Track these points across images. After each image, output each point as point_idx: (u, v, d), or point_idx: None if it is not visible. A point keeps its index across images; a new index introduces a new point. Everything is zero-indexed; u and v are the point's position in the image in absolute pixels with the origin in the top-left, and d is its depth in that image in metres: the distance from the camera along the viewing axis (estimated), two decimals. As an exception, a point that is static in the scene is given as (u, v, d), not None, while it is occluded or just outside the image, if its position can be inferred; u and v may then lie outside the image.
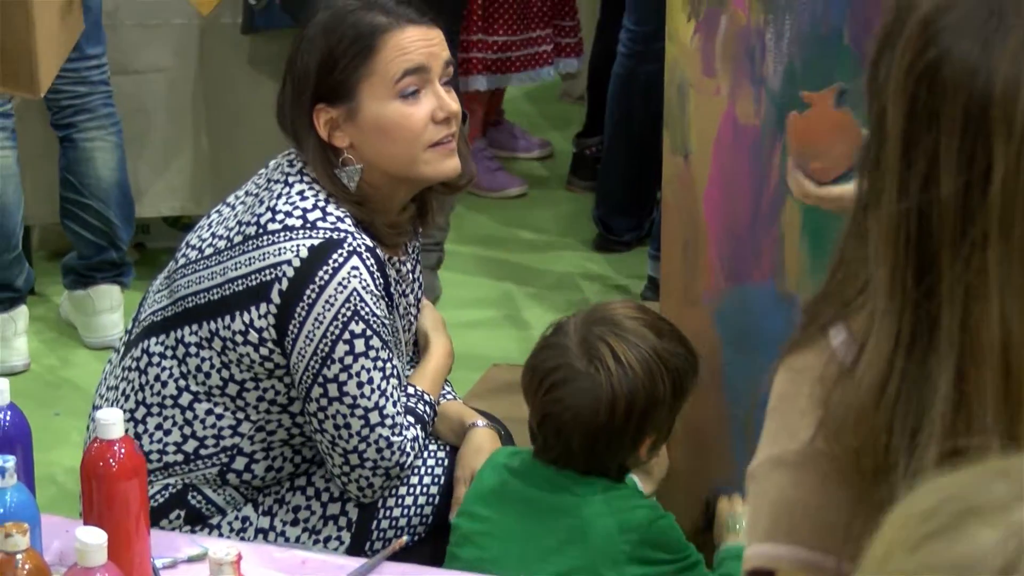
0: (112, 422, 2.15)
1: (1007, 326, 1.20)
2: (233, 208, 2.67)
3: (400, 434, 2.61)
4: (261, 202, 2.61)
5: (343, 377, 2.54)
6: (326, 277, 2.51)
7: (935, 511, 0.88)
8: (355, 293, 2.52)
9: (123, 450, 2.17)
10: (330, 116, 2.60)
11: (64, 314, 4.52)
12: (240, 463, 2.63)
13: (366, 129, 2.59)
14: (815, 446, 1.28)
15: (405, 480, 2.68)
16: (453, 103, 2.62)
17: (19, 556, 1.94)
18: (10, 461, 2.06)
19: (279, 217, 2.56)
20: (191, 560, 2.32)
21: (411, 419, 2.66)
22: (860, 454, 1.25)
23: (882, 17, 1.24)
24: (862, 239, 1.28)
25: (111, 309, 4.36)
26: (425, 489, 2.70)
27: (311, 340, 2.52)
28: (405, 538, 2.61)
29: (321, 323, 2.52)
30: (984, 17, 1.19)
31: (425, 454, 2.71)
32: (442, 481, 2.72)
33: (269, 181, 2.65)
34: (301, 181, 2.61)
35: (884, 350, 1.25)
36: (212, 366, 2.60)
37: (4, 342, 4.22)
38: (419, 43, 2.59)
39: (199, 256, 2.63)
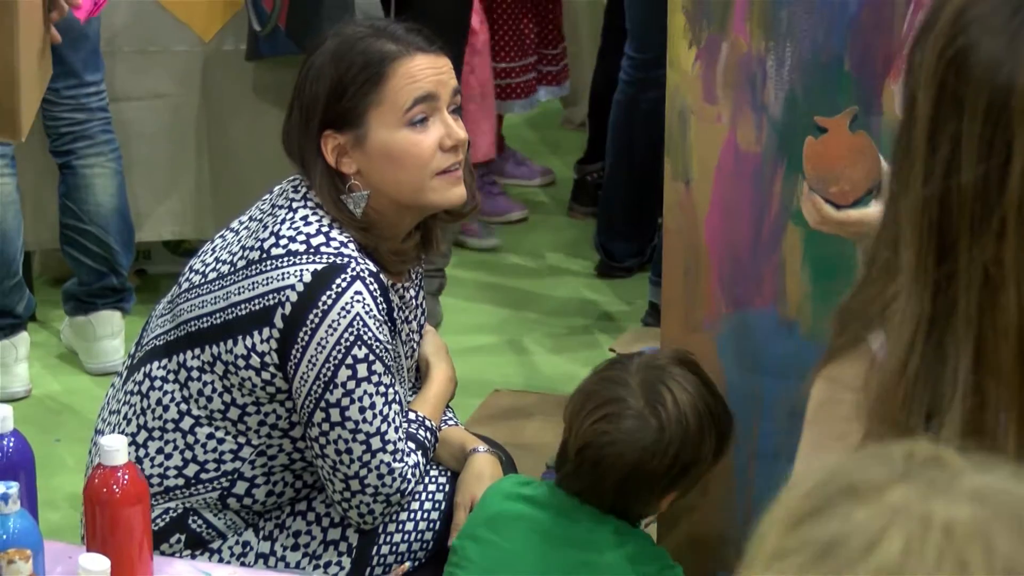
0: (116, 448, 2.16)
1: (1022, 306, 1.22)
2: (236, 233, 2.67)
3: (401, 460, 2.61)
4: (265, 227, 2.61)
5: (345, 402, 2.54)
6: (329, 302, 2.51)
7: (816, 491, 0.90)
8: (358, 318, 2.51)
9: (127, 476, 2.18)
10: (338, 142, 2.60)
11: (65, 340, 4.52)
12: (241, 487, 2.63)
13: (374, 156, 2.59)
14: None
15: (406, 505, 2.68)
16: (461, 131, 2.62)
17: (22, 582, 1.94)
18: (13, 488, 2.06)
19: (283, 242, 2.56)
20: (193, 586, 2.32)
21: (412, 445, 2.66)
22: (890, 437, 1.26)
23: (924, 11, 1.27)
24: (894, 240, 1.30)
25: (112, 335, 4.36)
26: (426, 515, 2.70)
27: (314, 365, 2.52)
28: (407, 564, 2.61)
29: (324, 348, 2.52)
30: (1010, 13, 1.23)
31: (426, 479, 2.71)
32: (443, 507, 2.72)
33: (273, 207, 2.65)
34: (305, 206, 2.61)
35: (907, 331, 1.27)
36: (214, 390, 2.60)
37: (5, 368, 4.22)
38: (428, 71, 2.60)
39: (202, 280, 2.64)
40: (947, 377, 1.25)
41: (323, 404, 2.54)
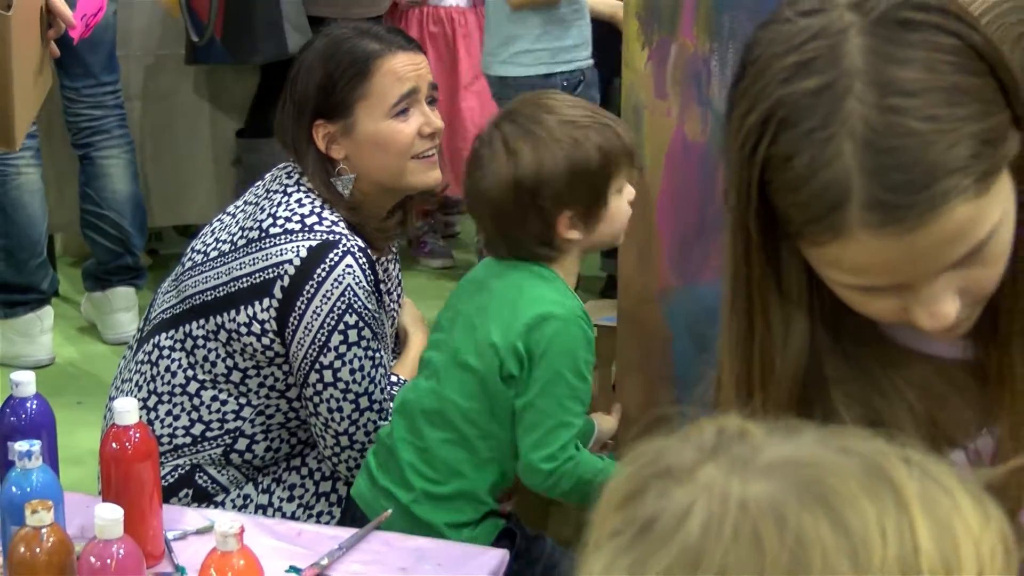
0: (128, 410, 2.15)
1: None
2: (234, 216, 2.68)
3: (386, 419, 2.61)
4: (262, 209, 2.61)
5: (337, 364, 2.54)
6: (323, 274, 2.51)
7: (639, 472, 0.89)
8: (349, 288, 2.52)
9: (137, 435, 2.17)
10: (328, 131, 2.63)
11: (85, 313, 4.50)
12: (242, 444, 2.63)
13: (362, 143, 2.62)
14: None
15: None
16: (437, 120, 2.68)
17: (44, 530, 1.93)
18: (36, 445, 2.05)
19: (279, 222, 2.57)
20: (199, 532, 2.31)
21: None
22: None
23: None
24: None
25: (127, 308, 4.36)
26: None
27: (309, 330, 2.52)
28: (389, 510, 2.60)
29: (319, 315, 2.52)
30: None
31: None
32: None
33: (268, 191, 2.65)
34: (298, 190, 2.62)
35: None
36: (218, 356, 2.59)
37: (31, 339, 4.21)
38: (409, 68, 2.64)
39: (204, 259, 2.64)
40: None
41: (317, 366, 2.54)
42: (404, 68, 2.62)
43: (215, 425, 2.62)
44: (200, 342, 2.61)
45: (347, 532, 2.34)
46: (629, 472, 0.89)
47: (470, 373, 2.41)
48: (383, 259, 2.72)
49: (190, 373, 2.62)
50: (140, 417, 2.33)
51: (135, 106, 4.65)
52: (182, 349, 2.63)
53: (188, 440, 2.63)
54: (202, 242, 2.69)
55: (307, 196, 2.60)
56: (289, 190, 2.62)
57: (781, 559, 0.81)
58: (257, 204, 2.65)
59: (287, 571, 2.20)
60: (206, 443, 2.63)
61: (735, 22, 2.96)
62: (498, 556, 2.28)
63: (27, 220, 4.15)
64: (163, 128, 4.76)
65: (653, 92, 3.09)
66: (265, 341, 2.56)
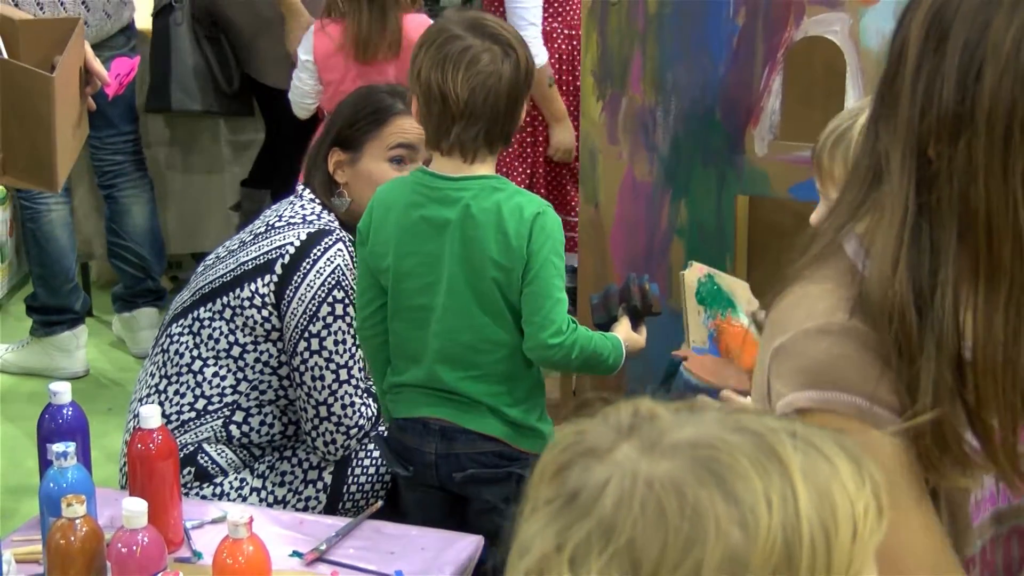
0: (151, 415, 2.14)
1: (990, 199, 1.19)
2: (242, 235, 2.70)
3: (361, 398, 2.60)
4: (271, 213, 2.69)
5: (324, 333, 2.55)
6: (318, 254, 2.56)
7: (568, 448, 0.90)
8: (339, 268, 2.56)
9: (160, 437, 2.16)
10: (339, 158, 2.69)
11: (115, 331, 4.48)
12: (239, 416, 2.62)
13: (360, 175, 2.68)
14: (853, 323, 1.22)
15: (368, 453, 2.67)
16: None
17: (78, 521, 1.91)
18: (71, 446, 2.04)
19: (284, 218, 2.64)
20: (214, 522, 2.29)
21: (369, 399, 2.65)
22: (889, 322, 1.20)
23: None
24: (872, 157, 1.27)
25: (151, 326, 4.34)
26: (383, 461, 2.68)
27: (302, 301, 2.55)
28: (380, 502, 2.59)
29: (311, 288, 2.55)
30: None
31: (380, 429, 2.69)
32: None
33: (273, 210, 2.71)
34: (302, 199, 2.69)
35: (896, 225, 1.23)
36: (221, 332, 2.61)
37: (68, 354, 4.19)
38: (417, 129, 2.61)
39: (215, 260, 2.70)
40: (936, 260, 1.21)
41: (306, 335, 2.55)
42: (413, 127, 2.63)
43: (215, 399, 2.62)
44: (206, 323, 2.63)
45: (343, 521, 2.33)
46: (560, 447, 0.91)
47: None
48: None
49: (195, 352, 2.63)
50: (152, 400, 2.39)
51: (160, 151, 4.66)
52: (190, 332, 2.65)
53: (193, 415, 2.63)
54: (215, 255, 2.73)
55: (311, 203, 2.67)
56: (295, 200, 2.69)
57: (682, 529, 0.83)
58: (264, 219, 2.70)
59: (291, 555, 2.19)
60: (208, 416, 2.62)
61: (677, 78, 2.97)
62: (475, 541, 2.27)
63: (59, 251, 4.14)
64: (182, 170, 4.77)
65: (607, 138, 3.10)
66: (264, 313, 2.59)
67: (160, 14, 4.25)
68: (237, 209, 4.64)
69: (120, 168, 4.25)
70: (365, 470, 2.67)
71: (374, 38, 3.62)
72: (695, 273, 2.47)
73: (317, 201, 2.67)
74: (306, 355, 2.55)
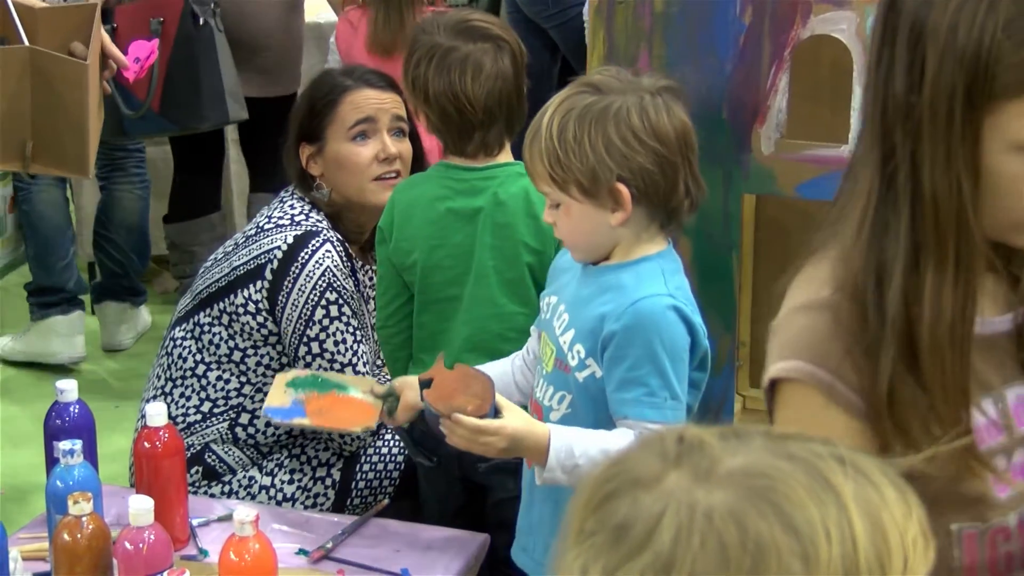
0: (158, 413, 2.15)
1: (935, 184, 1.24)
2: (236, 239, 2.70)
3: None
4: (260, 215, 2.69)
5: (322, 336, 2.55)
6: (306, 257, 2.55)
7: (610, 477, 0.87)
8: (328, 269, 2.55)
9: (166, 435, 2.16)
10: (308, 151, 2.70)
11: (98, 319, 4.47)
12: (244, 419, 2.62)
13: (330, 161, 2.68)
14: (832, 297, 1.28)
15: (376, 449, 2.67)
16: (393, 147, 2.68)
17: (84, 518, 1.92)
18: (78, 444, 2.04)
19: (273, 219, 2.63)
20: (220, 520, 2.30)
21: None
22: (852, 299, 1.26)
23: None
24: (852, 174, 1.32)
25: (118, 322, 4.36)
26: (393, 457, 2.68)
27: (296, 307, 2.55)
28: (387, 500, 2.59)
29: (303, 292, 2.54)
30: None
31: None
32: (405, 451, 2.69)
33: (261, 213, 2.70)
34: (291, 198, 2.69)
35: (859, 206, 1.28)
36: (221, 338, 2.61)
37: (64, 338, 4.21)
38: (371, 101, 2.67)
39: (213, 263, 2.69)
40: (890, 241, 1.26)
41: (305, 339, 2.55)
42: (365, 101, 2.66)
43: (220, 402, 2.62)
44: (206, 328, 2.63)
45: (349, 519, 2.33)
46: (601, 477, 0.88)
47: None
48: (366, 266, 2.73)
49: (198, 357, 2.63)
50: (158, 401, 2.36)
51: (160, 151, 4.64)
52: (192, 337, 2.65)
53: (199, 417, 2.62)
54: (213, 258, 2.73)
55: (298, 202, 2.66)
56: (284, 199, 2.69)
57: (744, 563, 0.81)
58: (255, 222, 2.70)
59: (296, 553, 2.19)
60: (214, 418, 2.62)
61: (684, 76, 2.97)
62: (480, 540, 2.27)
63: (52, 229, 4.18)
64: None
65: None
66: (259, 319, 2.58)
67: (182, 19, 4.02)
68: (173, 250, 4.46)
69: (118, 163, 4.26)
70: (374, 466, 2.68)
71: (391, 38, 3.67)
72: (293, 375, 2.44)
73: (305, 200, 2.67)
74: (308, 359, 2.55)
